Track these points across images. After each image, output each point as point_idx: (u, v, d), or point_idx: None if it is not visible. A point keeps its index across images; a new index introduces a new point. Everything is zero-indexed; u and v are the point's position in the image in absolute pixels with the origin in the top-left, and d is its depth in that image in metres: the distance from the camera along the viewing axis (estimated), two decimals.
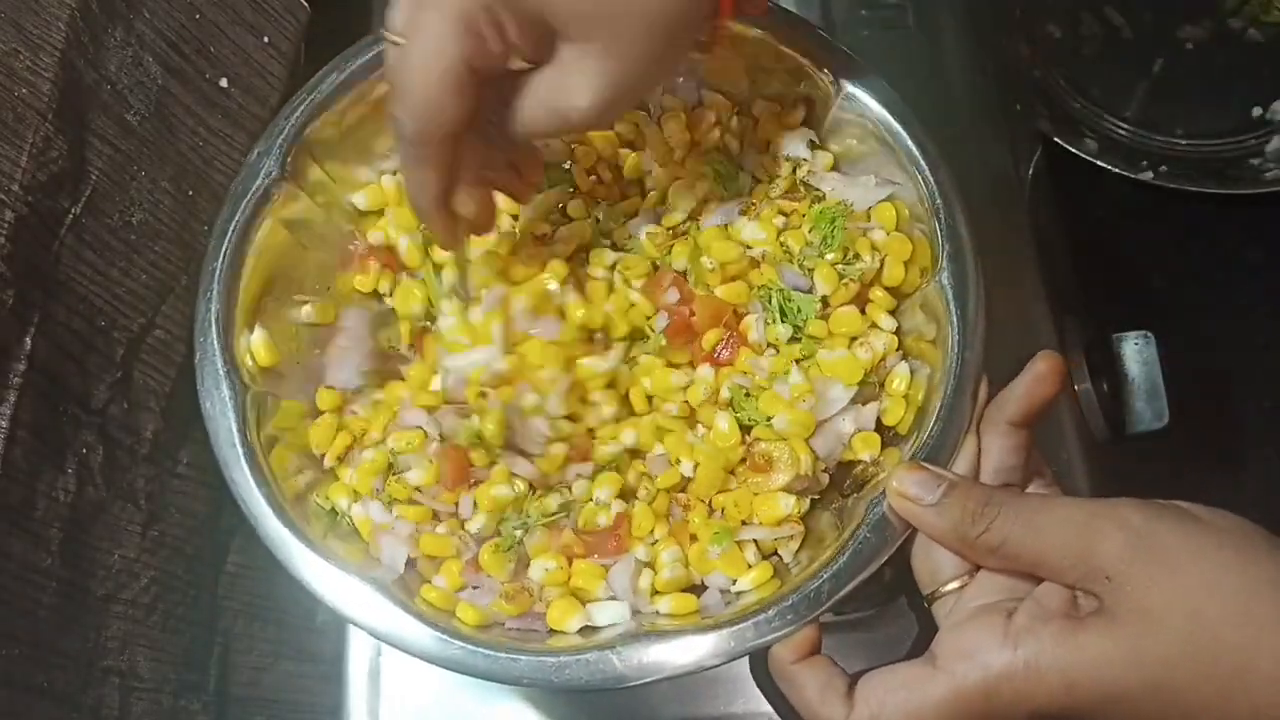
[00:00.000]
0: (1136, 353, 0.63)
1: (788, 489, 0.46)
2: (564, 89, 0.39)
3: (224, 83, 0.59)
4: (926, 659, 0.38)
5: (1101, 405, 0.63)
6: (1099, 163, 0.75)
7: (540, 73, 0.39)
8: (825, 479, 0.47)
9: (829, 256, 0.48)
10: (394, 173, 0.54)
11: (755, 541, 0.47)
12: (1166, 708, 0.35)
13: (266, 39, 0.61)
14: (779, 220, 0.50)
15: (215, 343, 0.46)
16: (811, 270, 0.48)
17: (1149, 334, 0.63)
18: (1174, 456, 0.66)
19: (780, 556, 0.47)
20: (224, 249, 0.48)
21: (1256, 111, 0.81)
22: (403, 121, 0.39)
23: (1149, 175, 0.77)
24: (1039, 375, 0.42)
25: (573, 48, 0.38)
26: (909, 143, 0.47)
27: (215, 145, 0.59)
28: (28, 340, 0.47)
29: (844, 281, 0.48)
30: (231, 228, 0.48)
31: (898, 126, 0.48)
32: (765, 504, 0.46)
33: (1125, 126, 0.81)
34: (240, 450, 0.45)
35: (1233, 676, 0.34)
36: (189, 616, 0.58)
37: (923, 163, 0.47)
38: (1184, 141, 0.81)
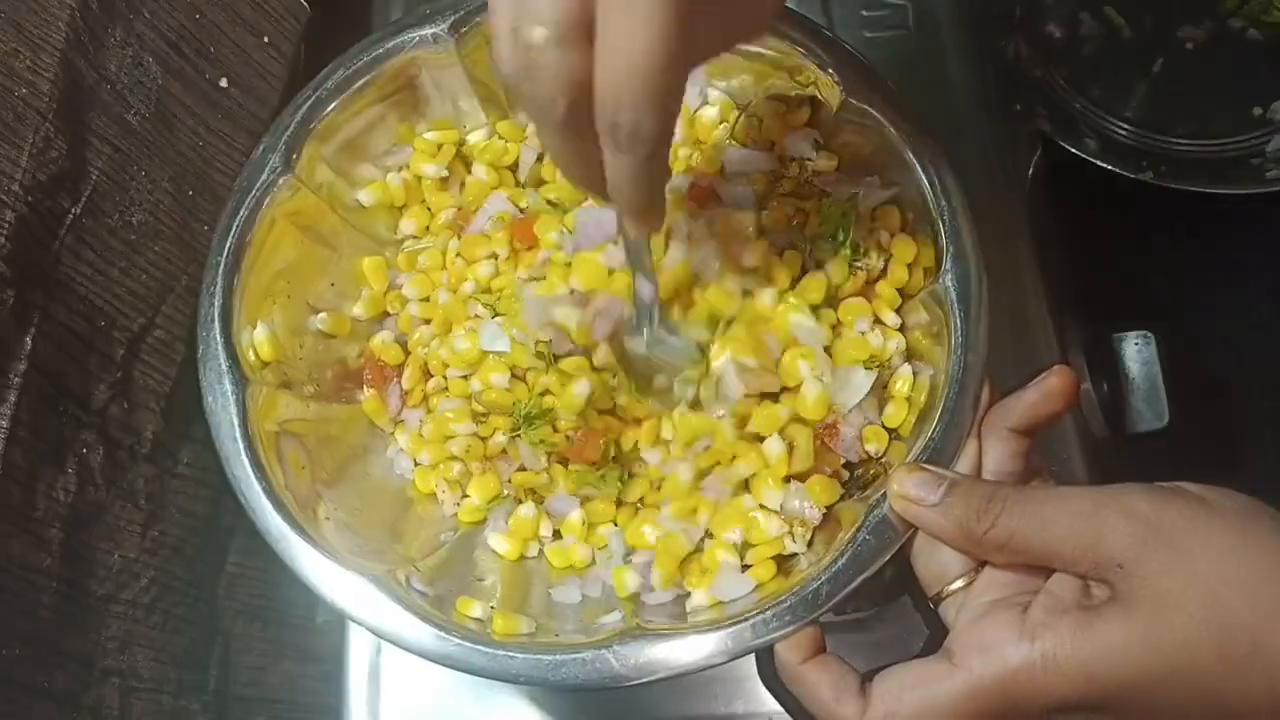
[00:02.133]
0: (1136, 353, 0.63)
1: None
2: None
3: (224, 83, 0.59)
4: (943, 655, 0.38)
5: (1101, 405, 0.63)
6: (1099, 163, 0.75)
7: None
8: (844, 474, 0.47)
9: (844, 252, 0.48)
10: (399, 169, 0.54)
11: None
12: (1185, 690, 0.35)
13: (266, 39, 0.61)
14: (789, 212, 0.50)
15: (218, 337, 0.46)
16: (821, 263, 0.48)
17: (1149, 334, 0.63)
18: (1174, 456, 0.66)
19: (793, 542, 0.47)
20: (228, 243, 0.48)
21: (1256, 111, 0.81)
22: (641, 124, 0.32)
23: (1149, 175, 0.77)
24: (1049, 391, 0.42)
25: None
26: (912, 144, 0.47)
27: (215, 145, 0.59)
28: (28, 340, 0.47)
29: (853, 270, 0.48)
30: (236, 222, 0.48)
31: (901, 127, 0.48)
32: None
33: (1125, 126, 0.81)
34: (241, 444, 0.45)
35: (1249, 655, 0.34)
36: (189, 616, 0.58)
37: (926, 164, 0.47)
38: (1184, 141, 0.81)
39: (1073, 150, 0.75)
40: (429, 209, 0.55)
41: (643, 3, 0.30)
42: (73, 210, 0.50)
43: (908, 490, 0.41)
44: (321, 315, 0.52)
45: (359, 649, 0.59)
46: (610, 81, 0.31)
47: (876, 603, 0.56)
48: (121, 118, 0.53)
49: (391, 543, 0.48)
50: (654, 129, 0.33)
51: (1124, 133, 0.81)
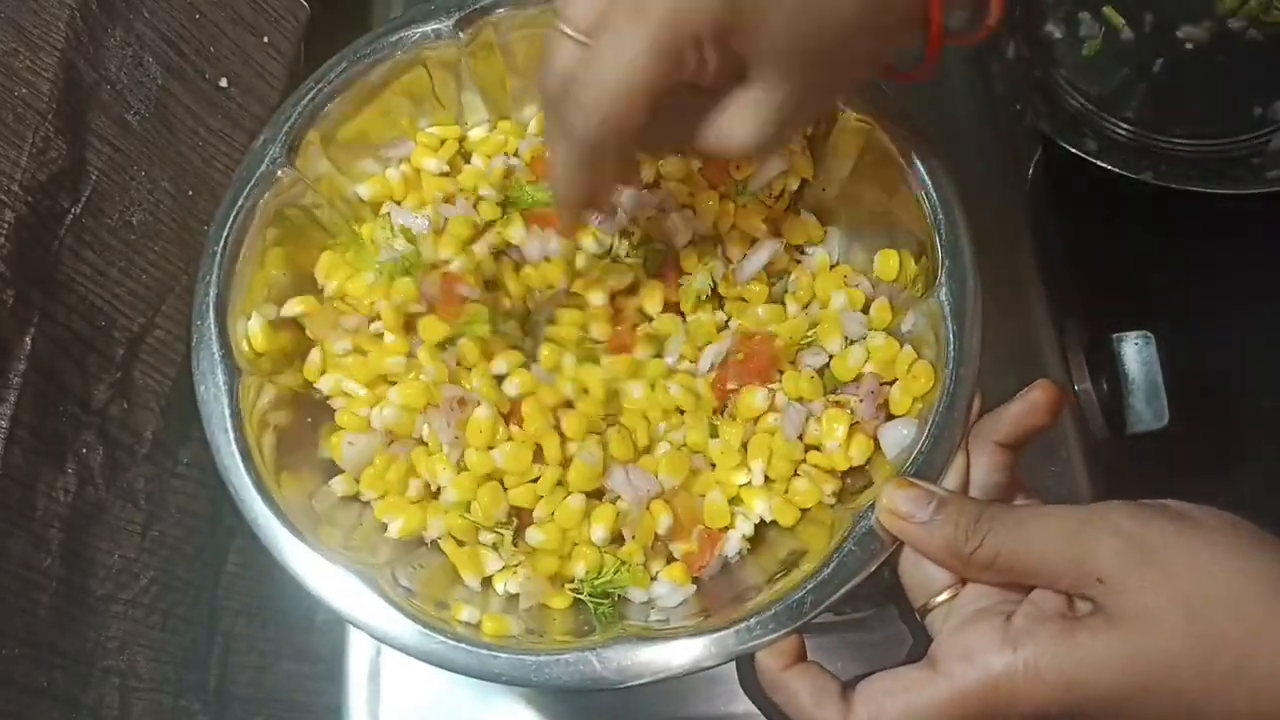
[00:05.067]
0: (1136, 353, 0.63)
1: None
2: (730, 121, 0.40)
3: (224, 83, 0.59)
4: (926, 662, 0.38)
5: (1101, 405, 0.63)
6: (1099, 163, 0.75)
7: (720, 100, 0.40)
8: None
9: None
10: (399, 163, 0.54)
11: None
12: (1165, 705, 0.35)
13: (266, 39, 0.62)
14: None
15: (212, 327, 0.46)
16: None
17: (1149, 334, 0.63)
18: (1174, 456, 0.66)
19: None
20: (225, 233, 0.48)
21: (1257, 111, 0.81)
22: (577, 125, 0.38)
23: (1149, 175, 0.77)
24: (1033, 404, 0.42)
25: (755, 83, 0.39)
26: (914, 159, 0.47)
27: (215, 145, 0.59)
28: (28, 340, 0.47)
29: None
30: (234, 212, 0.48)
31: (904, 142, 0.47)
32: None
33: (1125, 126, 0.81)
34: (231, 434, 0.45)
35: (1232, 671, 0.34)
36: (189, 616, 0.58)
37: (926, 179, 0.46)
38: (1184, 141, 0.81)
39: (1073, 150, 0.75)
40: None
41: (628, 41, 0.36)
42: (73, 210, 0.50)
43: (898, 506, 0.41)
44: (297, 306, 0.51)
45: (359, 649, 0.59)
46: (578, 78, 0.37)
47: (875, 604, 0.56)
48: (121, 118, 0.53)
49: (371, 536, 0.48)
50: (583, 135, 0.38)
51: (1124, 133, 0.81)
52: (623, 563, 0.46)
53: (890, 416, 0.47)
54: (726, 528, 0.47)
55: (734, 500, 0.48)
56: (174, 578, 0.57)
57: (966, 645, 0.37)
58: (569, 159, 0.40)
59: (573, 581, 0.47)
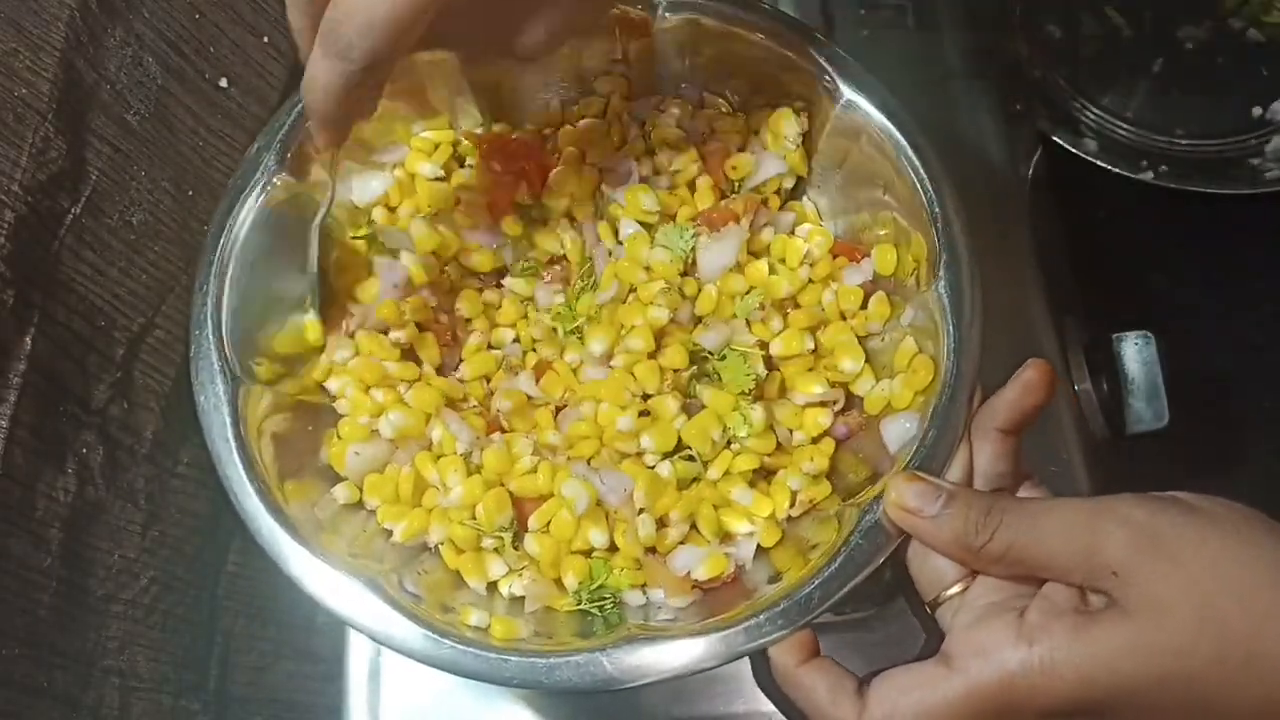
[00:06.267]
0: (1136, 353, 0.63)
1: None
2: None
3: (224, 83, 0.59)
4: (940, 659, 0.38)
5: (1101, 405, 0.63)
6: (1099, 163, 0.76)
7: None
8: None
9: None
10: (394, 168, 0.54)
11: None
12: (1180, 696, 0.35)
13: (266, 39, 0.62)
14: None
15: (210, 337, 0.46)
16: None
17: (1149, 334, 0.63)
18: (1174, 456, 0.66)
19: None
20: (221, 243, 0.48)
21: (1256, 111, 0.81)
22: (344, 39, 0.36)
23: (1149, 175, 0.77)
24: (1028, 384, 0.42)
25: None
26: (909, 152, 0.47)
27: (215, 145, 0.59)
28: (28, 340, 0.47)
29: None
30: (229, 221, 0.48)
31: (898, 135, 0.47)
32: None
33: (1125, 126, 0.81)
34: (233, 444, 0.45)
35: (1244, 662, 0.34)
36: (189, 616, 0.58)
37: (922, 171, 0.47)
38: (1184, 141, 0.81)
39: (1073, 150, 0.75)
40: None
41: None
42: (73, 210, 0.50)
43: (906, 500, 0.40)
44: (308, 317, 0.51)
45: (359, 649, 0.59)
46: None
47: (877, 603, 0.56)
48: (121, 118, 0.53)
49: (375, 542, 0.48)
50: (363, 55, 0.36)
51: (1124, 133, 0.81)
52: (612, 570, 0.46)
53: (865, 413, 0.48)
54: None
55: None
56: (174, 578, 0.57)
57: (981, 642, 0.37)
58: (335, 77, 0.37)
59: (570, 593, 0.47)
